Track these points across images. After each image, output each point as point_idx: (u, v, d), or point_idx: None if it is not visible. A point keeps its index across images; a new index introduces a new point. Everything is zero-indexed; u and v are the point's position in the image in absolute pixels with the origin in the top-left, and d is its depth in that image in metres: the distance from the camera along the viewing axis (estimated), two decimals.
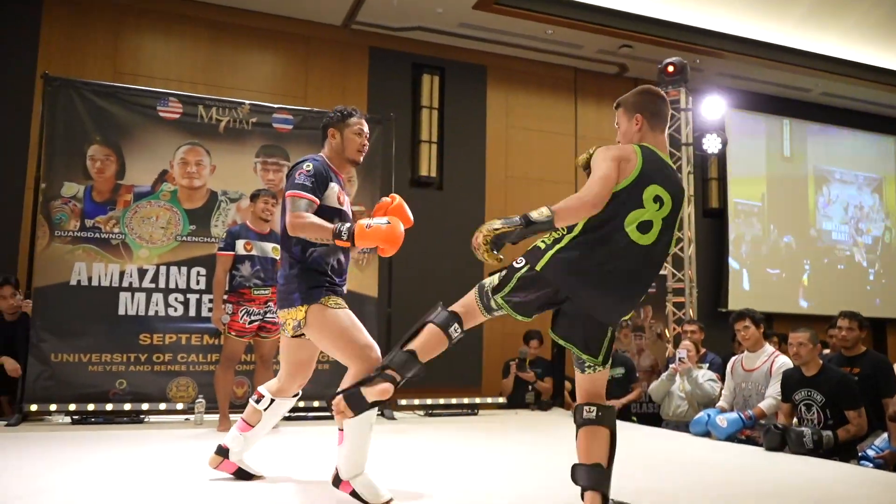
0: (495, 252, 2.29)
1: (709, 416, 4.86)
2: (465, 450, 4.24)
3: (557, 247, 2.36)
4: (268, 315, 4.92)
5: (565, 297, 2.38)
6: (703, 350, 6.19)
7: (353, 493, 2.62)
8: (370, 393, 2.35)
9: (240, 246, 4.91)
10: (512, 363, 6.73)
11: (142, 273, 5.38)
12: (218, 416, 4.87)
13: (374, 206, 5.99)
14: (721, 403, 5.13)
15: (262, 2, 7.47)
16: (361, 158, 3.05)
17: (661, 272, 7.69)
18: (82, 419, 5.05)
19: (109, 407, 5.14)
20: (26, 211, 6.14)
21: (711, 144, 7.47)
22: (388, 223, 2.63)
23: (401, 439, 4.59)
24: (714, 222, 9.66)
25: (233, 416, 4.88)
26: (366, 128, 3.05)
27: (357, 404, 2.36)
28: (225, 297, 4.94)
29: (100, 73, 6.87)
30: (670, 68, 7.66)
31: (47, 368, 5.06)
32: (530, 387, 6.65)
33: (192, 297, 5.47)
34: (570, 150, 8.87)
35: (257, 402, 3.07)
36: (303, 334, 2.83)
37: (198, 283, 5.49)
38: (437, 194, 8.21)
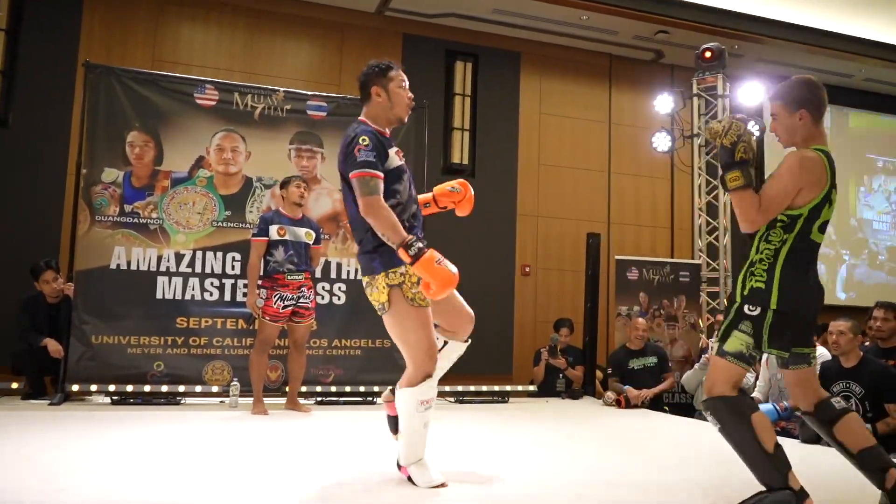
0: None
1: None
2: (493, 437, 4.25)
3: (776, 281, 2.36)
4: (301, 300, 4.98)
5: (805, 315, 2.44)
6: None
7: (410, 479, 2.71)
8: None
9: (273, 231, 4.96)
10: (543, 351, 6.71)
11: (179, 258, 5.48)
12: (252, 399, 4.95)
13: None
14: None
15: None
16: (407, 114, 2.88)
17: (696, 261, 7.59)
18: (122, 399, 5.18)
19: (147, 388, 5.27)
20: (68, 196, 6.29)
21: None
22: (454, 273, 2.52)
23: (431, 425, 4.62)
24: None
25: (267, 400, 4.99)
26: (406, 80, 2.85)
27: None
28: (259, 282, 5.01)
29: (140, 60, 6.98)
30: (707, 54, 7.52)
31: (88, 350, 5.20)
32: (561, 375, 6.64)
33: (228, 282, 5.57)
34: (604, 137, 8.79)
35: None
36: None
37: (233, 268, 5.58)
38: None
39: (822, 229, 2.44)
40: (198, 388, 5.42)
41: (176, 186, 5.55)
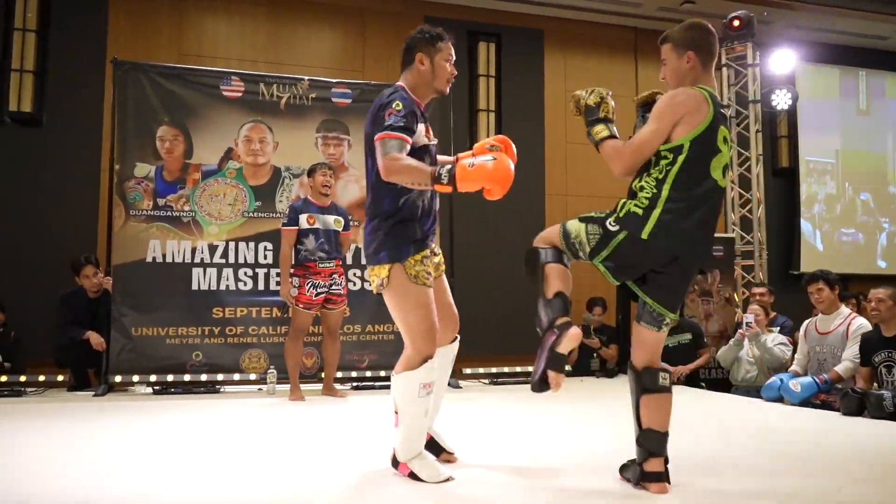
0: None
1: (781, 380, 4.75)
2: (528, 418, 4.26)
3: (656, 212, 2.29)
4: (333, 287, 5.02)
5: (672, 261, 2.33)
6: (773, 314, 6.03)
7: (412, 475, 2.51)
8: (564, 346, 2.25)
9: (303, 220, 5.01)
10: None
11: (212, 249, 5.56)
12: (289, 386, 5.02)
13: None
14: (794, 367, 4.99)
15: None
16: (448, 90, 2.74)
17: (729, 235, 7.48)
18: (163, 389, 5.30)
19: (187, 378, 5.38)
20: (103, 192, 6.40)
21: (781, 100, 7.17)
22: (495, 160, 2.37)
23: (465, 407, 4.65)
24: (784, 182, 9.30)
25: (303, 386, 5.06)
26: (454, 54, 2.72)
27: (559, 362, 2.27)
28: (291, 270, 5.06)
29: (166, 55, 7.05)
30: (736, 22, 7.36)
31: (129, 342, 5.31)
32: (595, 354, 6.62)
33: (261, 272, 5.63)
34: (632, 112, 8.55)
35: None
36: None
37: (265, 257, 5.64)
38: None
39: (725, 172, 2.36)
40: (236, 377, 5.52)
41: (207, 179, 5.61)
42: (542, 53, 8.49)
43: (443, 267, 2.82)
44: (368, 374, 5.75)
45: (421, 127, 2.60)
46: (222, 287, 5.54)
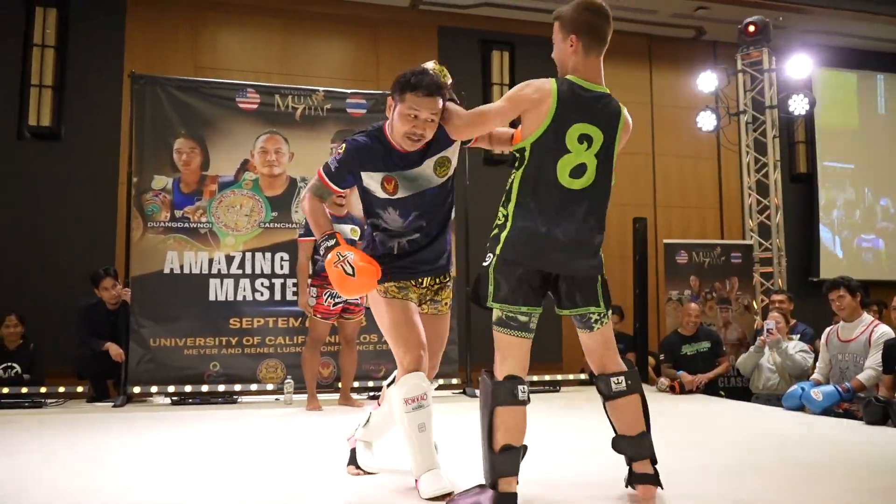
0: None
1: (803, 389, 4.68)
2: (543, 427, 4.23)
3: (507, 229, 2.17)
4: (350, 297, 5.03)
5: (543, 272, 2.20)
6: (792, 321, 5.96)
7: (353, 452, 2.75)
8: None
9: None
10: None
11: (229, 260, 5.59)
12: (306, 395, 5.03)
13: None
14: (816, 376, 4.93)
15: None
16: (412, 146, 2.42)
17: (747, 241, 7.42)
18: (181, 400, 5.32)
19: (205, 388, 5.40)
20: (121, 204, 6.47)
21: (798, 106, 7.10)
22: (350, 275, 2.35)
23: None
24: (802, 188, 9.22)
25: (320, 396, 5.06)
26: (427, 111, 2.37)
27: None
28: (309, 280, 5.07)
29: (182, 68, 7.12)
30: (751, 28, 7.32)
31: (147, 352, 5.35)
32: None
33: (277, 282, 5.65)
34: (647, 119, 8.63)
35: (387, 383, 2.83)
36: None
37: (282, 267, 5.66)
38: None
39: (578, 173, 2.16)
40: (253, 387, 5.53)
41: (223, 190, 5.65)
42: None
43: (442, 309, 2.69)
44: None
45: (375, 177, 2.45)
46: (239, 297, 5.57)
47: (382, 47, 7.93)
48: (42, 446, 3.55)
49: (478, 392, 2.26)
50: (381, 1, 7.83)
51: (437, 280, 2.64)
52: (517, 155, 2.21)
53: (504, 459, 2.10)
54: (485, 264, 2.20)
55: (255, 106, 5.77)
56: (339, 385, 5.29)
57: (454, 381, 5.96)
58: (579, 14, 2.22)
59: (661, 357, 6.36)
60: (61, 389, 5.47)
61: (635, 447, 2.27)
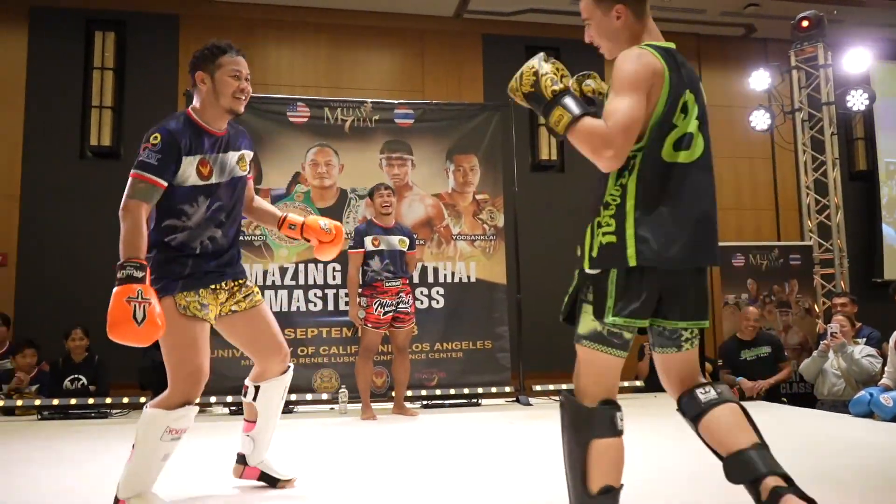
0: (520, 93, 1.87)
1: (871, 394, 4.51)
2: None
3: (630, 230, 1.80)
4: (400, 306, 5.06)
5: (676, 274, 1.83)
6: (857, 324, 5.76)
7: None
8: None
9: (368, 242, 5.08)
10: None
11: (283, 271, 5.69)
12: (361, 405, 5.07)
13: (494, 195, 6.05)
14: (885, 381, 4.74)
15: (375, 1, 7.65)
16: (242, 107, 2.48)
17: (807, 243, 7.20)
18: (238, 410, 5.41)
19: (229, 399, 5.48)
20: None
21: (857, 101, 6.87)
22: (140, 323, 2.12)
23: (536, 425, 4.59)
24: (863, 186, 8.90)
25: (374, 405, 5.10)
26: (245, 68, 2.49)
27: None
28: (359, 291, 5.13)
29: None
30: (805, 23, 7.13)
31: None
32: None
33: (330, 293, 5.73)
34: None
35: (245, 395, 2.75)
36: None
37: (334, 278, 5.73)
38: (558, 178, 8.11)
39: (680, 144, 1.83)
40: (308, 396, 5.60)
41: (276, 203, 5.75)
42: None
43: (257, 298, 2.63)
44: (438, 392, 5.76)
45: (192, 161, 2.39)
46: (293, 308, 5.66)
47: (428, 58, 7.98)
48: (108, 455, 3.66)
49: (561, 416, 1.90)
50: (426, 11, 7.89)
51: (237, 282, 2.58)
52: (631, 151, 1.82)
53: (604, 502, 1.77)
54: (593, 272, 1.86)
55: (306, 119, 5.87)
56: (393, 394, 5.32)
57: (507, 388, 5.93)
58: None
59: (720, 363, 6.22)
60: (125, 400, 5.63)
61: (765, 460, 1.76)
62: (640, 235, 1.78)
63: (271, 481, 2.75)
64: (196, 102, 2.50)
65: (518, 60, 7.75)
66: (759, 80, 7.29)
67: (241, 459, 2.79)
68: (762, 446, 1.78)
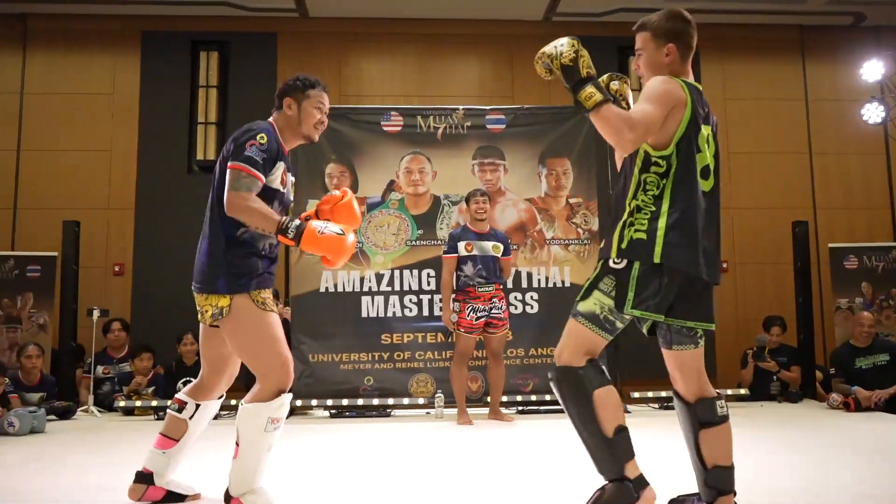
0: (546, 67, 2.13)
1: None
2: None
3: (661, 231, 2.07)
4: (493, 311, 5.07)
5: (691, 279, 2.11)
6: None
7: None
8: None
9: (461, 248, 5.11)
10: (749, 352, 6.29)
11: (379, 278, 5.81)
12: (456, 410, 5.10)
13: (588, 198, 5.96)
14: None
15: (464, 9, 7.71)
16: (318, 136, 2.69)
17: None
18: (339, 413, 5.57)
19: (360, 402, 5.62)
20: None
21: None
22: (342, 234, 2.36)
23: (636, 433, 4.48)
24: None
25: (470, 411, 5.12)
26: (327, 103, 2.69)
27: None
28: (453, 296, 5.17)
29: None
30: None
31: (307, 368, 5.64)
32: (774, 377, 6.17)
33: (425, 298, 5.80)
34: (801, 116, 8.07)
35: (179, 410, 2.63)
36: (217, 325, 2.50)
37: (428, 283, 5.80)
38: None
39: (706, 174, 2.14)
40: (405, 401, 5.69)
41: (372, 211, 5.89)
42: (697, 62, 8.14)
43: None
44: (534, 397, 5.72)
45: (280, 167, 2.54)
46: (389, 314, 5.76)
47: (517, 62, 7.96)
48: (214, 455, 3.83)
49: (559, 390, 2.16)
50: (516, 16, 7.88)
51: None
52: (660, 161, 2.12)
53: (622, 441, 2.04)
54: (619, 267, 2.11)
55: (399, 128, 5.98)
56: (488, 400, 5.33)
57: None
58: (673, 23, 2.23)
59: (832, 371, 5.89)
60: (233, 402, 5.87)
61: (730, 479, 2.14)
62: (669, 237, 2.05)
63: (178, 498, 2.63)
64: (279, 121, 2.64)
65: (610, 61, 7.64)
66: (872, 70, 6.86)
67: (146, 478, 2.59)
68: (733, 466, 2.16)
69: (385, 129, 5.98)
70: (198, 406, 2.64)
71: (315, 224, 2.37)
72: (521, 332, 5.73)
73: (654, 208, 2.10)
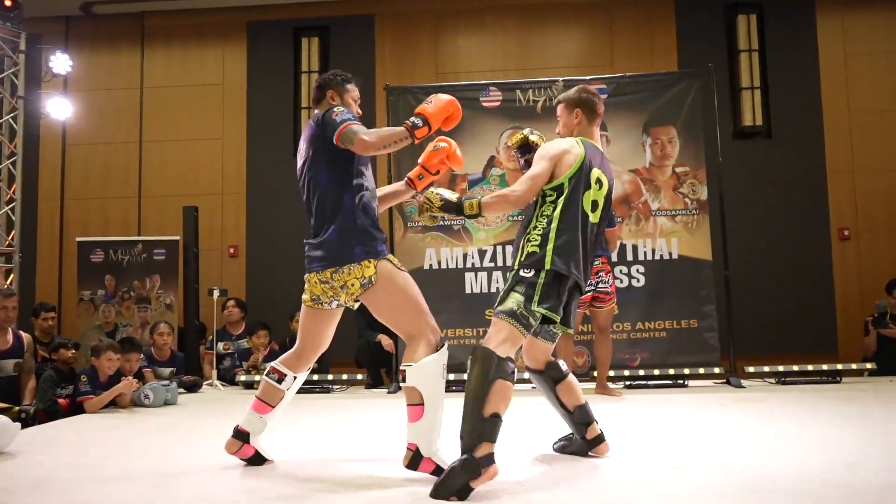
0: (431, 216, 2.76)
1: None
2: (828, 422, 3.82)
3: (550, 244, 2.59)
4: (600, 285, 4.99)
5: (572, 285, 2.64)
6: None
7: (437, 470, 2.44)
8: (482, 482, 2.28)
9: None
10: (869, 319, 5.93)
11: (481, 254, 5.85)
12: None
13: (695, 166, 5.75)
14: None
15: None
16: None
17: None
18: (446, 388, 5.63)
19: (465, 376, 5.68)
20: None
21: None
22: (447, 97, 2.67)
23: (751, 408, 4.32)
24: None
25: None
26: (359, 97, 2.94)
27: (465, 494, 2.26)
28: None
29: (426, 76, 7.60)
30: None
31: None
32: None
33: None
34: (884, 71, 7.44)
35: (279, 381, 2.80)
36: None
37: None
38: (764, 144, 7.52)
39: (594, 208, 2.70)
40: None
41: (472, 187, 5.91)
42: (813, 16, 7.63)
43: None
44: (641, 372, 5.62)
45: None
46: (492, 290, 5.79)
47: (617, 29, 7.73)
48: (325, 426, 4.01)
49: (471, 364, 2.44)
50: None
51: None
52: (551, 192, 2.68)
53: (489, 426, 2.33)
54: (525, 275, 2.58)
55: (498, 103, 5.96)
56: (595, 374, 5.28)
57: (716, 370, 5.64)
58: (581, 96, 2.90)
59: None
60: (344, 377, 6.11)
61: (588, 413, 2.86)
62: (556, 250, 2.58)
63: (261, 461, 2.82)
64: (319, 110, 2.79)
65: (717, 22, 7.27)
66: None
67: (244, 437, 2.79)
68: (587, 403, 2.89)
69: (484, 104, 5.97)
70: (294, 378, 2.83)
71: (425, 106, 2.64)
72: (628, 305, 5.62)
73: (546, 227, 2.63)
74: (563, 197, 2.66)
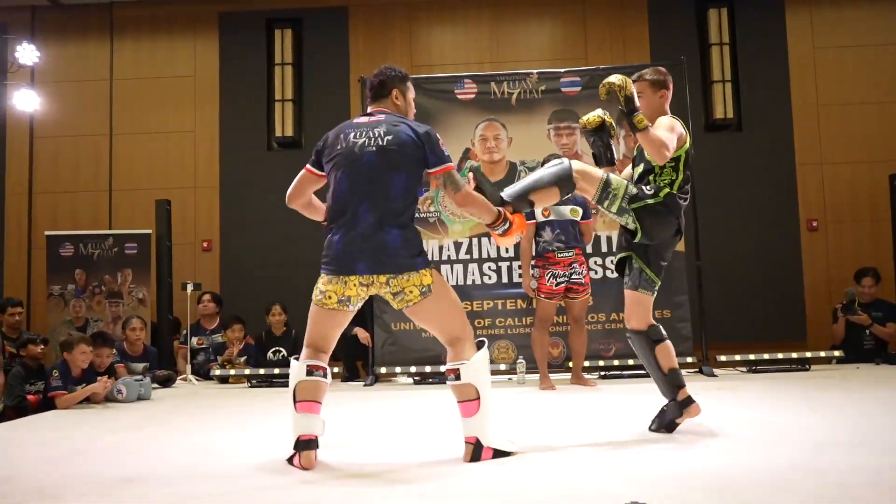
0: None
1: None
2: (795, 411, 3.91)
3: (671, 190, 3.03)
4: (573, 276, 5.04)
5: (674, 234, 3.09)
6: None
7: (497, 453, 2.62)
8: (686, 418, 3.07)
9: (538, 213, 5.08)
10: (839, 307, 6.06)
11: (457, 246, 5.86)
12: (539, 375, 5.12)
13: None
14: None
15: None
16: None
17: None
18: (422, 379, 5.68)
19: (443, 368, 5.69)
20: None
21: None
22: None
23: (721, 396, 4.40)
24: None
25: (552, 376, 5.13)
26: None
27: (672, 428, 3.02)
28: (532, 262, 5.16)
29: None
30: None
31: (390, 336, 5.78)
32: (867, 331, 5.91)
33: (504, 265, 5.82)
34: (886, 61, 7.59)
35: (324, 376, 2.82)
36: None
37: (507, 251, 5.80)
38: (735, 136, 7.62)
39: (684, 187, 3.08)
40: None
41: None
42: (782, 10, 7.74)
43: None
44: (616, 362, 5.68)
45: None
46: (469, 282, 5.81)
47: (590, 22, 7.77)
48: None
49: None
50: None
51: None
52: (671, 162, 3.02)
53: (673, 377, 3.00)
54: (648, 192, 3.04)
55: (473, 95, 5.96)
56: (570, 365, 5.33)
57: (689, 359, 5.72)
58: (666, 77, 3.22)
59: None
60: (262, 371, 6.07)
61: (681, 378, 3.08)
62: (671, 196, 3.05)
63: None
64: (394, 110, 2.83)
65: (688, 16, 7.35)
66: None
67: (313, 444, 2.65)
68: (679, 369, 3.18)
69: (459, 96, 5.97)
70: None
71: (505, 213, 2.78)
72: (603, 296, 5.68)
73: (661, 199, 3.01)
74: (681, 166, 3.03)
